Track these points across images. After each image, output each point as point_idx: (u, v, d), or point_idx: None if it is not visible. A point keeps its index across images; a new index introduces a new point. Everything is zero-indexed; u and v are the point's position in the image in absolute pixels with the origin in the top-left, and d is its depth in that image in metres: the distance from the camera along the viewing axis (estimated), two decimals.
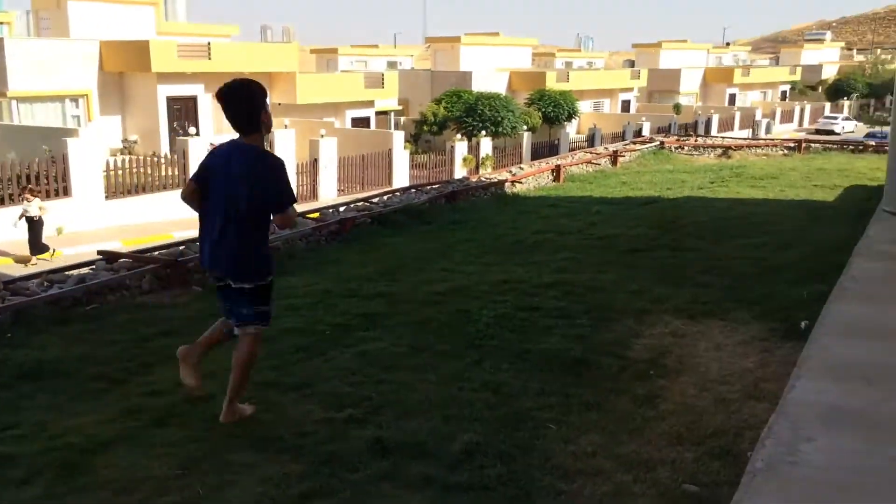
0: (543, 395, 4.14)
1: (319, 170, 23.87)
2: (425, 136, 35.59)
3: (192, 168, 20.28)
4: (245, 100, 3.86)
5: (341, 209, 9.46)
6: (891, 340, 3.86)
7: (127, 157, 20.46)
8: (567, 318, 5.43)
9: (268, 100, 3.98)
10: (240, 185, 3.68)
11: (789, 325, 5.08)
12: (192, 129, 22.08)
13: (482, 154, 31.38)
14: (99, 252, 7.78)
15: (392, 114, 38.83)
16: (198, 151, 20.41)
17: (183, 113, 24.95)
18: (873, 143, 15.70)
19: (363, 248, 8.04)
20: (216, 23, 31.18)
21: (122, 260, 7.32)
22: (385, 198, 10.47)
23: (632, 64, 61.71)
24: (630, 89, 48.69)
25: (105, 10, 26.22)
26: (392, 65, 54.06)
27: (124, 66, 23.86)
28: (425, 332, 5.21)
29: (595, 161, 13.96)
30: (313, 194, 23.88)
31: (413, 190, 11.05)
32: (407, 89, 41.53)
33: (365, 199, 10.31)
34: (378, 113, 35.42)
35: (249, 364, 3.84)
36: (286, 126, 24.59)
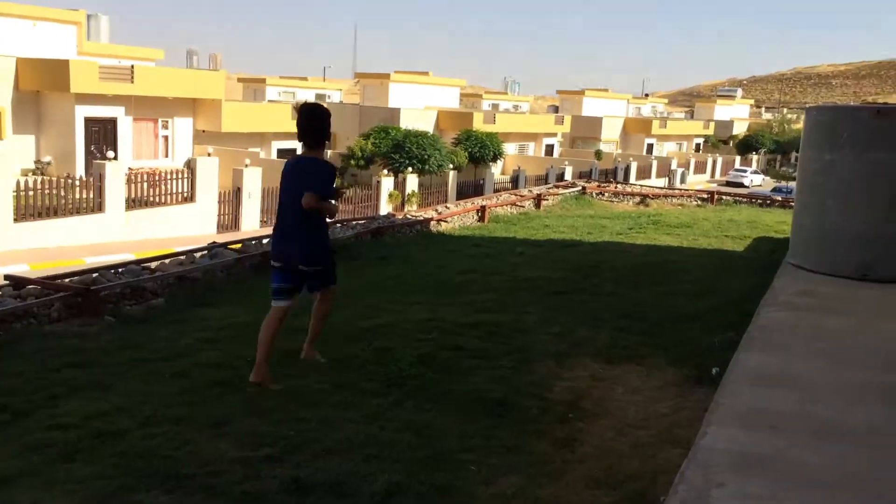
0: (465, 436, 4.14)
1: (242, 199, 23.49)
2: (352, 170, 35.57)
3: (109, 191, 19.71)
4: (319, 119, 4.91)
5: (265, 241, 9.31)
6: (795, 389, 4.04)
7: (39, 179, 19.68)
8: (490, 358, 5.47)
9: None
10: (302, 187, 4.67)
11: (702, 372, 5.25)
12: (109, 153, 21.43)
13: (408, 190, 31.58)
14: (5, 277, 7.42)
15: None
16: (115, 175, 19.83)
17: (101, 135, 24.22)
18: (780, 198, 16.56)
19: None
20: (141, 45, 30.45)
21: (29, 286, 7.00)
22: None
23: (556, 109, 63.49)
24: (554, 134, 50.04)
25: (24, 27, 25.37)
26: (321, 97, 53.95)
27: (41, 85, 23.05)
28: (348, 369, 5.16)
29: (519, 203, 14.23)
30: (235, 224, 23.48)
31: (339, 224, 11.00)
32: (335, 123, 40.53)
33: None
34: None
35: (328, 315, 5.37)
36: (209, 154, 24.15)
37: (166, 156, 26.91)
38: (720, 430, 3.54)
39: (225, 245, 9.14)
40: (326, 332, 6.03)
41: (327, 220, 5.13)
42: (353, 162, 35.07)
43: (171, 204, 21.93)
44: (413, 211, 14.32)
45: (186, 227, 21.66)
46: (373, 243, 10.22)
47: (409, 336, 5.92)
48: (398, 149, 32.89)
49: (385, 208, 30.06)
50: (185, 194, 22.30)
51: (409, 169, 32.24)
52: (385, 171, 31.87)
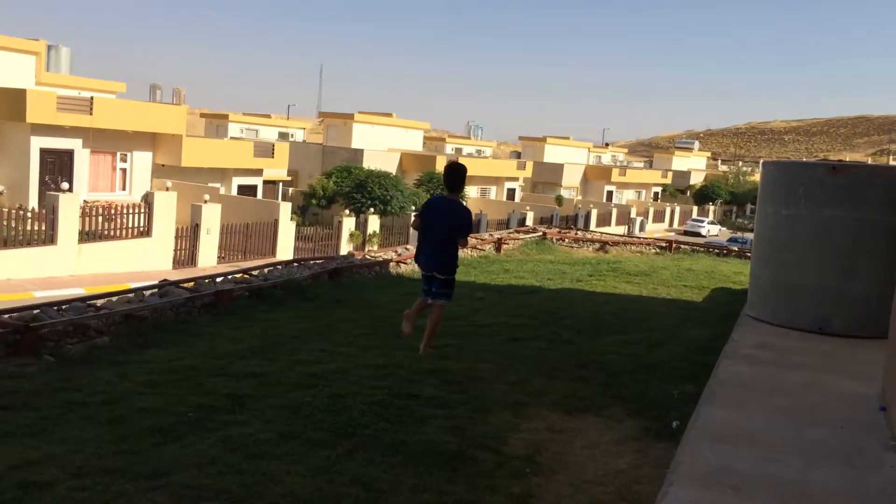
0: (416, 491, 3.95)
1: (200, 235, 23.09)
2: (313, 208, 35.37)
3: (62, 223, 19.16)
4: (462, 174, 6.73)
5: (218, 279, 9.07)
6: (756, 447, 3.95)
7: None
8: (445, 407, 5.30)
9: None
10: (448, 220, 6.47)
11: (661, 425, 5.15)
12: (64, 184, 20.92)
13: (369, 231, 31.41)
14: None
15: (280, 184, 38.47)
16: (69, 207, 19.34)
17: (57, 167, 23.69)
18: (736, 248, 16.78)
19: (238, 323, 7.68)
20: (104, 78, 30.03)
21: None
22: (266, 270, 10.14)
23: (518, 155, 64.27)
24: (516, 178, 50.50)
25: None
26: (284, 135, 53.92)
27: None
28: (296, 417, 4.94)
29: (480, 247, 14.17)
30: (192, 260, 23.02)
31: (296, 264, 10.78)
32: (297, 161, 41.41)
33: (244, 271, 9.95)
34: (266, 182, 34.98)
35: (438, 322, 6.76)
36: (168, 188, 23.76)
37: (123, 189, 26.42)
38: (682, 490, 3.43)
39: (177, 283, 8.86)
40: (273, 378, 5.83)
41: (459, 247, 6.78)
42: (314, 201, 34.89)
43: (127, 238, 21.44)
44: (373, 252, 14.15)
45: (141, 262, 21.16)
46: (330, 284, 10.02)
47: (362, 383, 5.72)
48: (360, 189, 32.83)
49: (345, 248, 29.83)
50: (142, 228, 21.84)
51: (371, 209, 32.15)
52: (347, 211, 31.71)
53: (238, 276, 9.48)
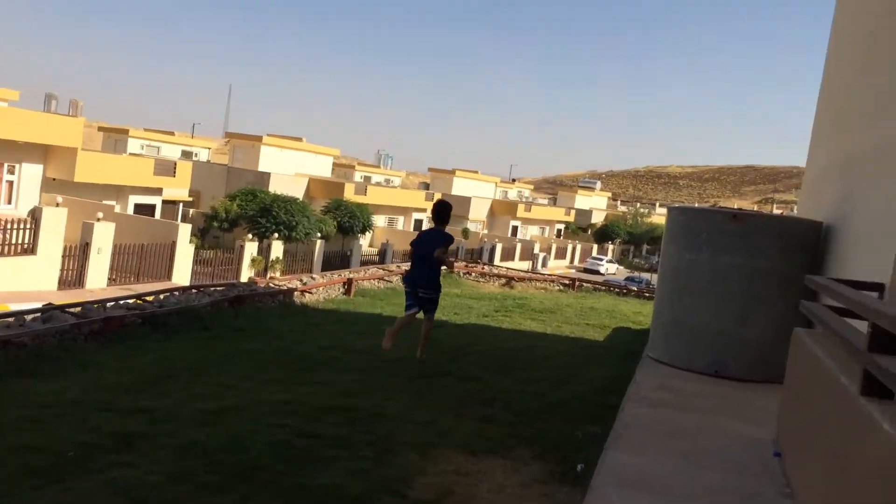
0: None
1: (90, 255, 21.95)
2: (214, 231, 34.35)
3: None
4: (448, 210, 8.21)
5: (109, 304, 8.55)
6: (660, 494, 3.97)
7: None
8: (349, 448, 5.11)
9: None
10: (431, 245, 7.76)
11: (567, 468, 5.12)
12: None
13: (272, 257, 30.73)
14: None
15: (181, 205, 37.21)
16: None
17: None
18: (635, 288, 17.26)
19: (128, 353, 7.24)
20: None
21: None
22: (161, 296, 9.66)
23: (427, 186, 64.62)
24: (424, 209, 50.68)
25: None
26: (187, 154, 52.32)
27: None
28: (189, 458, 4.64)
29: (387, 278, 14.03)
30: (79, 281, 21.83)
31: (194, 290, 10.33)
32: (200, 181, 40.23)
33: (138, 296, 9.44)
34: (166, 202, 33.77)
35: (430, 331, 7.98)
36: (58, 204, 22.53)
37: (9, 202, 24.91)
38: None
39: (62, 308, 8.30)
40: (165, 414, 5.50)
41: (441, 268, 8.15)
42: (216, 223, 33.90)
43: (9, 255, 20.14)
44: (277, 279, 13.77)
45: (24, 282, 19.89)
46: (231, 312, 9.63)
47: (261, 420, 5.46)
48: (265, 213, 32.14)
49: (246, 273, 29.03)
50: (26, 246, 20.57)
51: (276, 235, 31.48)
52: (250, 236, 30.94)
53: (131, 301, 8.98)
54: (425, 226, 50.74)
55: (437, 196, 51.49)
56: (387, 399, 6.41)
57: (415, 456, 5.15)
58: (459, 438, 5.59)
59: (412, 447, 5.30)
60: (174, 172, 32.55)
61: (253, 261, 29.59)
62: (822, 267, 6.96)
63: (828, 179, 7.86)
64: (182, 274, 25.73)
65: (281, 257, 31.08)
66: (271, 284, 11.73)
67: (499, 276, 16.36)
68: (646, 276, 49.15)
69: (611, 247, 66.62)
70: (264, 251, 30.62)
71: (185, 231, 26.74)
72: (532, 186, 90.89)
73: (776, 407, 5.53)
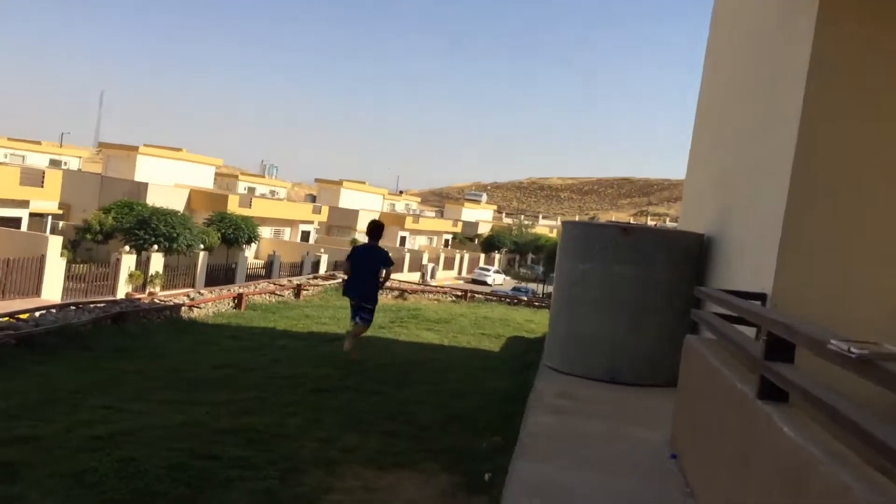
0: None
1: None
2: (87, 244, 32.55)
3: None
4: (381, 229, 9.14)
5: None
6: (571, 501, 4.07)
7: None
8: (252, 468, 4.94)
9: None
10: (373, 262, 8.68)
11: (474, 478, 5.15)
12: None
13: (152, 271, 29.44)
14: None
15: (49, 217, 35.09)
16: None
17: None
18: (525, 298, 17.68)
19: (4, 376, 6.72)
20: None
21: None
22: (37, 314, 9.04)
23: (314, 198, 63.82)
24: (311, 221, 49.99)
25: None
26: (56, 163, 49.43)
27: None
28: (81, 486, 4.36)
29: (279, 292, 13.72)
30: None
31: (73, 307, 9.73)
32: (71, 193, 38.10)
33: (10, 315, 8.79)
34: (33, 215, 31.74)
35: (361, 334, 8.87)
36: None
37: None
38: None
39: None
40: (50, 441, 5.14)
41: (380, 282, 8.89)
42: (89, 236, 32.14)
43: None
44: (161, 294, 13.20)
45: None
46: (114, 330, 9.14)
47: (156, 444, 5.20)
48: (143, 225, 30.72)
49: (123, 288, 27.67)
50: None
51: (155, 247, 30.16)
52: (127, 248, 29.48)
53: (2, 320, 8.36)
54: (313, 237, 50.14)
55: (325, 208, 50.98)
56: (287, 416, 6.26)
57: (320, 473, 5.05)
58: (365, 454, 5.52)
59: (317, 465, 5.19)
60: (42, 182, 30.67)
61: (131, 275, 28.24)
62: (704, 277, 7.35)
63: (707, 195, 8.32)
64: (53, 289, 24.23)
65: (161, 271, 29.82)
66: (156, 300, 11.22)
67: (391, 289, 16.34)
68: (532, 286, 50.40)
69: (497, 256, 67.90)
70: (143, 265, 29.29)
71: (55, 243, 25.22)
72: (419, 199, 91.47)
73: (668, 410, 5.79)
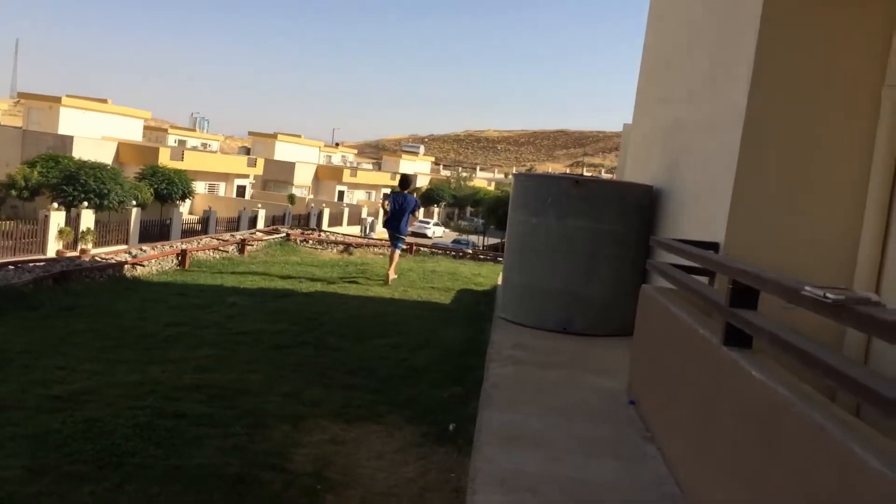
0: None
1: None
2: (12, 201, 31.26)
3: None
4: (408, 182, 12.71)
5: None
6: (539, 447, 4.20)
7: None
8: (219, 426, 4.94)
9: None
10: (404, 205, 12.03)
11: (439, 429, 5.26)
12: None
13: (83, 227, 28.50)
14: None
15: None
16: None
17: None
18: (469, 251, 17.80)
19: None
20: None
21: None
22: None
23: (248, 151, 62.41)
24: (246, 175, 48.99)
25: None
26: None
27: None
28: (46, 448, 4.29)
29: (223, 248, 13.47)
30: None
31: (11, 267, 9.38)
32: None
33: None
34: None
35: (395, 258, 11.99)
36: None
37: None
38: (485, 497, 3.52)
39: None
40: (7, 403, 5.02)
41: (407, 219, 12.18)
42: (13, 192, 30.83)
43: None
44: (99, 252, 12.80)
45: None
46: (56, 290, 8.87)
47: (118, 403, 5.14)
48: (71, 180, 29.65)
49: (53, 246, 26.76)
50: None
51: (85, 204, 29.15)
52: (55, 205, 28.43)
53: None
54: (249, 192, 49.19)
55: (260, 161, 49.99)
56: (247, 373, 6.24)
57: (287, 428, 5.08)
58: (329, 408, 5.57)
59: (283, 419, 5.22)
60: None
61: (61, 232, 27.30)
62: (654, 227, 7.54)
63: (654, 146, 8.48)
64: None
65: (93, 228, 28.90)
66: (98, 258, 10.90)
67: (336, 243, 16.23)
68: (472, 238, 50.73)
69: (436, 210, 67.91)
70: (73, 221, 28.33)
71: None
72: (356, 151, 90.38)
73: (622, 358, 6.00)
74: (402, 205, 12.03)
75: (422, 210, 13.41)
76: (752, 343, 3.35)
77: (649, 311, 5.14)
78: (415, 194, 13.98)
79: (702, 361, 3.70)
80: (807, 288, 2.50)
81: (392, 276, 11.65)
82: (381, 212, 12.24)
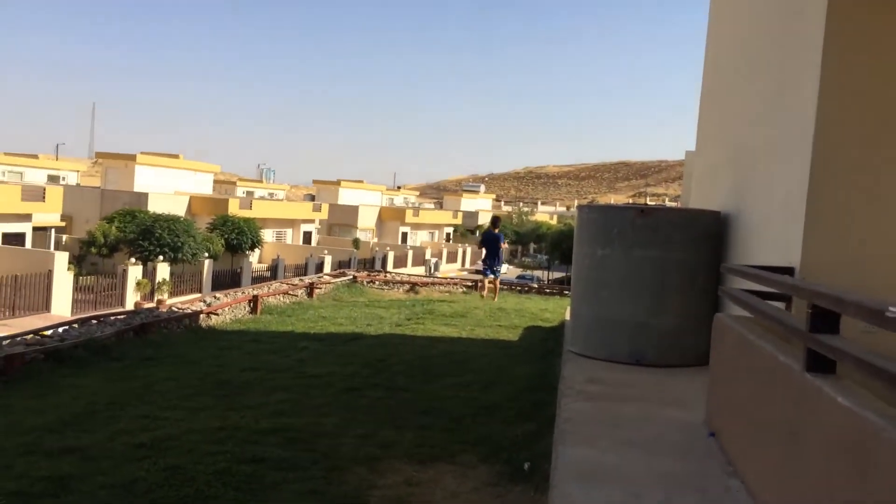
0: None
1: None
2: (92, 257, 32.60)
3: None
4: (498, 221, 16.68)
5: (5, 342, 7.98)
6: (618, 483, 4.12)
7: None
8: (296, 469, 5.01)
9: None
10: (496, 242, 15.37)
11: (513, 468, 5.22)
12: None
13: (158, 279, 29.48)
14: None
15: (52, 231, 35.13)
16: None
17: None
18: (536, 286, 17.77)
19: (38, 392, 6.79)
20: None
21: None
22: (60, 330, 9.10)
23: (313, 198, 63.79)
24: (312, 220, 50.01)
25: None
26: (53, 178, 49.41)
27: None
28: (133, 495, 4.43)
29: (292, 292, 13.77)
30: None
31: (94, 321, 9.79)
32: (72, 205, 38.13)
33: (35, 332, 8.85)
34: (36, 229, 31.78)
35: (497, 288, 15.73)
36: None
37: None
38: None
39: None
40: (96, 452, 5.20)
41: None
42: (94, 249, 32.19)
43: None
44: (175, 302, 13.24)
45: None
46: (137, 341, 9.20)
47: (198, 449, 5.26)
48: (147, 235, 30.80)
49: (132, 298, 27.74)
50: None
51: (161, 257, 30.20)
52: (132, 259, 29.53)
53: (29, 337, 8.41)
54: (315, 238, 50.21)
55: (325, 206, 51.05)
56: (321, 416, 6.32)
57: (362, 470, 5.12)
58: (403, 449, 5.59)
59: (358, 462, 5.26)
60: (44, 197, 30.71)
61: (138, 284, 28.31)
62: (724, 254, 7.39)
63: (719, 172, 8.36)
64: (62, 304, 24.30)
65: (168, 279, 29.89)
66: (175, 308, 11.28)
67: (401, 283, 16.39)
68: (537, 273, 50.47)
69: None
70: (150, 274, 29.35)
71: (61, 259, 25.29)
72: (417, 192, 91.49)
73: (698, 390, 5.85)
74: (494, 241, 15.19)
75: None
76: (835, 368, 3.24)
77: (725, 339, 5.02)
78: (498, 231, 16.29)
79: (784, 390, 3.58)
80: (891, 309, 2.42)
81: (495, 299, 14.87)
82: (477, 248, 15.96)
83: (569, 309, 9.06)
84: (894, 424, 2.49)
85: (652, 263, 7.32)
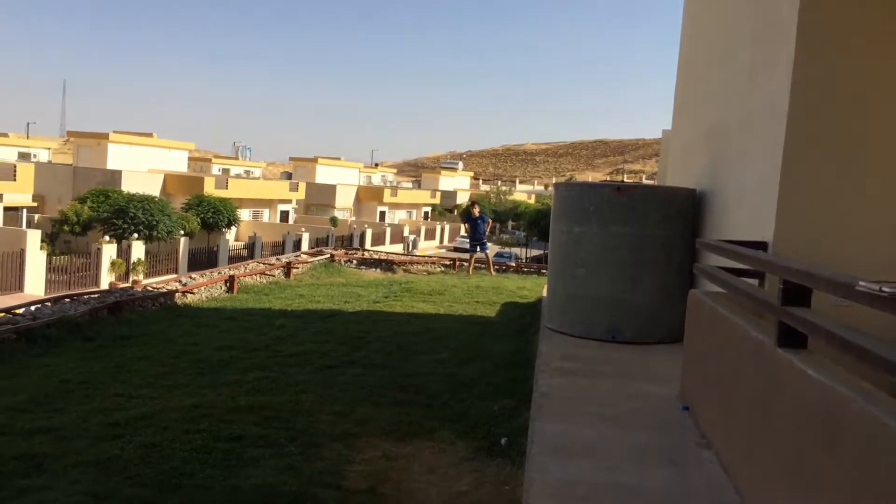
0: None
1: None
2: (65, 236, 32.15)
3: None
4: (476, 204, 18.17)
5: None
6: (592, 457, 4.16)
7: None
8: (273, 446, 5.01)
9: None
10: (481, 223, 16.88)
11: (490, 443, 5.26)
12: None
13: (133, 258, 29.18)
14: None
15: (24, 210, 34.59)
16: None
17: None
18: (513, 264, 17.82)
19: (10, 371, 6.71)
20: None
21: None
22: (33, 308, 8.98)
23: (289, 176, 63.34)
24: (289, 200, 49.69)
25: None
26: (25, 156, 48.56)
27: None
28: (107, 474, 4.40)
29: (269, 272, 13.68)
30: None
31: (67, 299, 9.67)
32: (44, 184, 37.53)
33: (7, 310, 8.73)
34: (7, 209, 31.25)
35: (490, 260, 17.68)
36: None
37: None
38: None
39: None
40: (69, 431, 5.16)
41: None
42: (66, 227, 31.73)
43: None
44: (151, 282, 13.11)
45: None
46: (112, 320, 9.11)
47: (175, 428, 5.24)
48: (121, 214, 30.40)
49: (106, 278, 27.44)
50: None
51: (135, 236, 29.86)
52: (106, 238, 29.16)
53: (0, 316, 8.29)
54: (292, 216, 49.88)
55: (302, 185, 50.70)
56: (298, 393, 6.32)
57: (340, 446, 5.13)
58: (380, 425, 5.61)
59: (335, 438, 5.27)
60: (14, 176, 30.22)
61: (113, 264, 27.99)
62: (699, 231, 7.44)
63: (695, 150, 8.39)
64: (35, 283, 23.99)
65: (143, 258, 29.58)
66: (149, 288, 11.16)
67: (379, 262, 16.35)
68: (515, 250, 50.60)
69: None
70: (124, 253, 29.03)
71: (33, 237, 24.92)
72: (395, 170, 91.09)
73: (671, 365, 5.91)
74: (480, 222, 16.61)
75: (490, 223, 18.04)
76: (807, 343, 3.29)
77: (699, 315, 5.07)
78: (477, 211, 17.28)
79: (756, 364, 3.63)
80: (861, 283, 2.45)
81: (491, 274, 16.48)
82: (462, 229, 16.73)
83: (546, 286, 9.10)
84: (864, 396, 2.54)
85: (628, 241, 7.35)
